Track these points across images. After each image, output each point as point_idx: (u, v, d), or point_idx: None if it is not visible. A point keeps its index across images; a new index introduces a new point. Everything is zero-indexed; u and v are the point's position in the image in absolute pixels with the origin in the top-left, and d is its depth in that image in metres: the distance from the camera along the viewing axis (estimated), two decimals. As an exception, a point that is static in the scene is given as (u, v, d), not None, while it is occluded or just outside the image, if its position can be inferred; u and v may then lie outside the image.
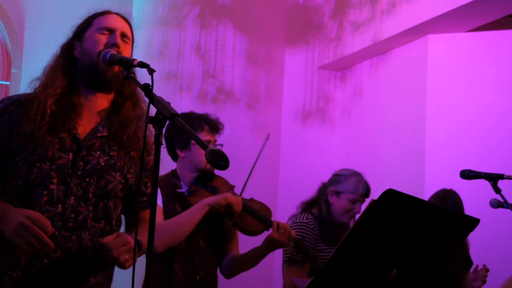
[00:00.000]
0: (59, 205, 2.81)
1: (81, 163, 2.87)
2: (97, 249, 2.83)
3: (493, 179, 4.34)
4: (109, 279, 3.01)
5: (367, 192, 4.81)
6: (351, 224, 4.69)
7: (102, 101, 2.99)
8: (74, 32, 3.04)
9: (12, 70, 7.56)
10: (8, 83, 7.58)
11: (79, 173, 2.85)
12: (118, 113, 3.00)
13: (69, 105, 2.89)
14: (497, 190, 4.32)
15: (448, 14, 6.85)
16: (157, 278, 3.94)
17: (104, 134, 2.94)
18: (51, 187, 2.81)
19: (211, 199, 4.02)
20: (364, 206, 4.72)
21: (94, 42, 2.92)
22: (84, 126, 2.93)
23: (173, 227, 3.92)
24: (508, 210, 4.23)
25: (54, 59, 3.02)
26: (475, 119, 7.18)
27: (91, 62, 2.90)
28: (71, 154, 2.86)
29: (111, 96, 3.00)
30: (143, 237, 2.78)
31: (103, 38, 2.92)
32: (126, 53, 2.95)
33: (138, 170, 2.99)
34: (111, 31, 2.95)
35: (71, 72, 2.97)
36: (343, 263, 3.11)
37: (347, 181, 4.82)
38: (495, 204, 4.30)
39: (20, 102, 2.91)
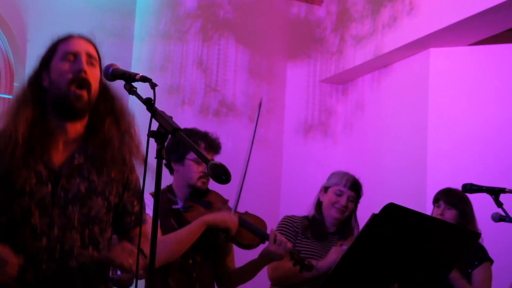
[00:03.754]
0: (44, 238, 2.80)
1: (62, 193, 2.85)
2: (86, 273, 2.85)
3: (495, 193, 4.34)
4: None
5: (352, 185, 4.80)
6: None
7: (76, 127, 2.94)
8: (41, 62, 2.99)
9: (14, 84, 7.60)
10: (10, 96, 7.57)
11: (61, 203, 2.84)
12: (96, 134, 2.96)
13: (42, 133, 2.88)
14: (499, 204, 4.32)
15: (449, 27, 6.87)
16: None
17: (80, 161, 2.92)
18: (33, 222, 2.80)
19: (209, 218, 4.03)
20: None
21: (61, 72, 2.88)
22: (60, 155, 2.91)
23: (172, 243, 3.93)
24: (510, 224, 4.23)
25: (22, 91, 2.99)
26: (476, 132, 7.19)
27: (60, 93, 2.87)
28: (49, 185, 2.84)
29: (84, 121, 2.97)
30: (145, 248, 2.77)
31: (67, 66, 2.88)
32: (94, 76, 2.91)
33: (121, 190, 2.99)
34: (75, 55, 2.91)
35: (41, 102, 2.93)
36: (345, 277, 3.12)
37: (334, 176, 4.86)
38: (497, 218, 4.30)
39: None
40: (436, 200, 5.48)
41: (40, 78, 2.94)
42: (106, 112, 2.96)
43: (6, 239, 2.75)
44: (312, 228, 4.78)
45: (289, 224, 4.80)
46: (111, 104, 2.99)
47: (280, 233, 4.64)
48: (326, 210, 4.80)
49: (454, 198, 5.40)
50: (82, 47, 2.94)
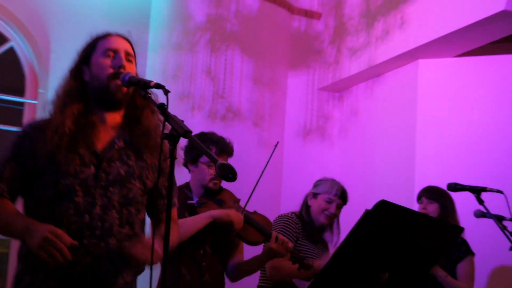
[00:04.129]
0: (86, 215, 2.82)
1: (103, 175, 2.87)
2: (124, 252, 2.84)
3: (477, 191, 4.36)
4: (135, 279, 3.03)
5: (341, 194, 4.84)
6: (328, 223, 4.78)
7: (115, 117, 2.99)
8: (81, 56, 3.03)
9: (39, 90, 7.62)
10: (36, 102, 7.64)
11: (102, 183, 2.86)
12: (137, 123, 3.01)
13: (86, 124, 2.90)
14: (480, 202, 4.34)
15: (437, 40, 6.87)
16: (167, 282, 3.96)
17: (120, 145, 2.94)
18: (76, 199, 2.81)
19: (216, 212, 4.06)
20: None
21: (101, 67, 2.92)
22: (101, 141, 2.93)
23: (189, 223, 3.97)
24: (491, 220, 4.24)
25: (66, 83, 3.01)
26: (461, 137, 7.19)
27: (102, 86, 2.90)
28: (92, 167, 2.86)
29: (122, 112, 3.01)
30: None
31: (108, 61, 2.93)
32: (132, 71, 2.96)
33: (156, 175, 3.01)
34: (115, 52, 2.95)
35: (84, 95, 2.96)
36: (340, 267, 3.13)
37: (323, 184, 4.87)
38: (479, 214, 4.31)
39: (39, 127, 2.91)
40: (419, 197, 5.55)
41: (81, 72, 2.97)
42: (144, 104, 2.98)
43: (49, 215, 2.78)
44: (305, 232, 4.80)
45: (290, 225, 4.78)
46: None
47: (283, 232, 4.69)
48: (315, 214, 4.84)
49: (434, 194, 5.46)
50: (121, 45, 2.98)
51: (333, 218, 4.85)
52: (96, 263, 2.81)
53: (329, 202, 4.80)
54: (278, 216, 4.96)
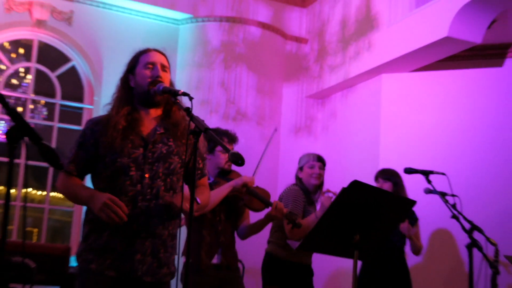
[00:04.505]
0: (139, 185, 2.87)
1: (150, 154, 2.91)
2: (168, 209, 2.92)
3: (426, 173, 4.37)
4: (177, 232, 3.04)
5: (318, 158, 4.83)
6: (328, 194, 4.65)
7: (156, 111, 3.02)
8: (127, 68, 3.06)
9: (94, 98, 7.62)
10: (92, 107, 7.65)
11: (150, 161, 2.91)
12: (169, 117, 3.03)
13: (133, 119, 2.94)
14: (429, 181, 4.33)
15: (396, 59, 6.88)
16: (192, 241, 4.02)
17: (161, 131, 2.98)
18: (131, 173, 2.87)
19: (232, 182, 4.06)
20: (333, 187, 4.78)
21: (143, 77, 2.95)
22: (146, 129, 2.97)
23: (215, 193, 3.96)
24: (437, 195, 4.29)
25: (118, 89, 3.06)
26: (414, 133, 7.17)
27: (144, 91, 2.94)
28: (141, 149, 2.91)
29: (161, 108, 3.04)
30: (200, 195, 2.98)
31: (148, 72, 2.95)
32: (166, 79, 2.99)
33: (190, 152, 3.00)
34: (153, 64, 2.98)
35: (131, 98, 3.00)
36: (323, 231, 3.17)
37: (303, 158, 4.87)
38: (427, 191, 4.29)
39: (98, 122, 2.97)
40: (376, 178, 5.53)
41: (128, 80, 3.02)
42: (173, 103, 2.98)
43: (111, 186, 2.85)
44: (308, 199, 4.78)
45: (297, 196, 4.74)
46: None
47: (293, 203, 4.71)
48: (307, 181, 4.79)
49: (388, 174, 5.45)
50: (158, 59, 3.02)
51: (321, 177, 4.80)
52: (148, 220, 2.86)
53: (312, 167, 4.77)
54: (287, 188, 4.90)
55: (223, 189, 4.05)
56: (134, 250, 2.82)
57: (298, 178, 4.88)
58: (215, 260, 4.15)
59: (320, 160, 4.85)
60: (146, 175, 2.90)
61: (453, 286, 6.64)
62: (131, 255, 2.82)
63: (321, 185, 4.86)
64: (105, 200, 2.70)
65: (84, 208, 3.03)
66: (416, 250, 5.45)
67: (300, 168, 4.89)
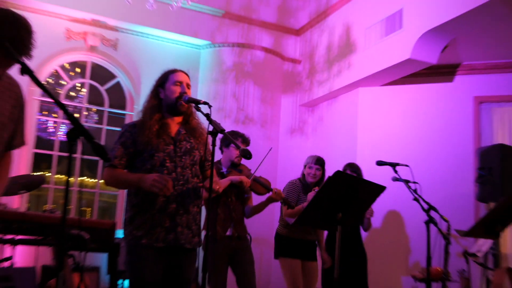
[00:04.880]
0: (174, 173, 2.89)
1: (178, 149, 2.94)
2: (196, 191, 2.95)
3: (393, 165, 4.37)
4: (200, 210, 3.06)
5: (316, 161, 4.81)
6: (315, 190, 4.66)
7: (179, 118, 3.02)
8: (158, 83, 3.03)
9: (134, 106, 7.61)
10: (132, 113, 7.65)
11: (179, 154, 2.92)
12: (188, 123, 3.04)
13: (164, 124, 2.94)
14: (395, 172, 4.36)
15: (369, 76, 6.90)
16: (210, 218, 4.02)
17: (184, 132, 3.00)
18: (167, 164, 2.88)
19: (232, 178, 4.08)
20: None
21: (172, 92, 2.95)
22: (173, 131, 2.97)
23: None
24: (402, 182, 4.29)
25: (149, 99, 3.03)
26: (384, 133, 7.19)
27: (172, 102, 2.94)
28: (172, 146, 2.93)
29: (182, 116, 3.03)
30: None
31: (177, 89, 2.95)
32: (189, 93, 3.01)
33: (203, 150, 3.06)
34: (181, 83, 2.97)
35: (160, 107, 2.99)
36: (313, 210, 3.18)
37: (307, 159, 4.86)
38: (394, 179, 4.33)
39: (135, 125, 2.97)
40: (344, 170, 5.48)
41: (158, 93, 3.00)
42: (191, 113, 3.02)
43: None
44: (304, 189, 4.77)
45: (293, 187, 4.76)
46: (192, 110, 3.04)
47: (289, 192, 4.74)
48: (307, 178, 4.81)
49: (353, 167, 5.38)
50: (184, 79, 3.02)
51: (316, 177, 4.79)
52: (183, 200, 2.88)
53: (310, 168, 4.79)
54: (288, 182, 4.92)
55: (225, 181, 4.05)
56: (175, 224, 2.84)
57: (302, 174, 4.89)
58: (228, 232, 4.16)
59: (318, 163, 4.83)
60: (179, 165, 2.90)
61: (415, 254, 6.65)
62: (174, 228, 2.83)
63: (319, 181, 4.84)
64: (155, 177, 2.70)
65: (125, 194, 3.02)
66: (368, 228, 5.44)
67: (304, 167, 4.88)
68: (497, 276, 4.83)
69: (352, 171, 5.33)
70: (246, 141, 4.33)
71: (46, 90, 2.01)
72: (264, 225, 7.06)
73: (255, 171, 4.34)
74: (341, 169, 5.15)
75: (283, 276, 4.62)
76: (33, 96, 7.08)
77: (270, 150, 4.73)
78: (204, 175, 3.13)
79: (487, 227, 3.86)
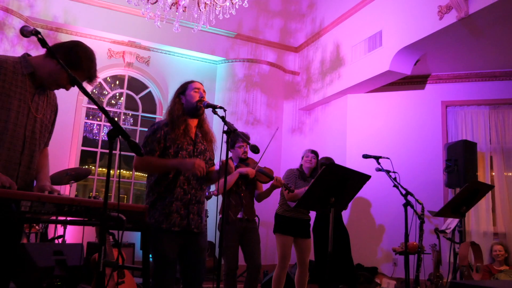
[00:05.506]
0: None
1: (195, 149, 2.87)
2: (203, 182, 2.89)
3: (377, 158, 4.32)
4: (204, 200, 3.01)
5: (312, 150, 4.73)
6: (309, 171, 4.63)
7: (195, 121, 2.95)
8: (179, 91, 2.95)
9: (163, 111, 7.57)
10: (161, 117, 7.54)
11: (196, 154, 2.87)
12: (202, 126, 2.97)
13: (187, 125, 2.87)
14: (378, 163, 4.34)
15: (356, 85, 6.87)
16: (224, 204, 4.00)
17: (200, 136, 2.93)
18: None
19: (240, 170, 4.03)
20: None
21: (192, 97, 2.87)
22: (192, 133, 2.90)
23: (228, 179, 3.88)
24: (384, 172, 4.26)
25: (173, 104, 2.93)
26: (369, 132, 7.18)
27: (192, 106, 2.87)
28: (191, 146, 2.86)
29: (197, 119, 2.95)
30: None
31: (196, 95, 2.88)
32: (206, 99, 2.94)
33: (212, 153, 3.01)
34: (198, 89, 2.91)
35: (183, 110, 2.90)
36: (311, 194, 3.15)
37: (305, 151, 4.76)
38: (378, 169, 4.29)
39: (166, 124, 2.88)
40: (322, 165, 5.42)
41: (180, 99, 2.92)
42: (204, 118, 2.96)
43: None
44: (300, 176, 4.70)
45: (291, 174, 4.68)
46: (204, 115, 2.98)
47: (287, 177, 4.65)
48: (304, 166, 4.72)
49: (328, 159, 5.32)
50: (201, 86, 2.95)
51: (312, 162, 4.69)
52: (196, 192, 2.83)
53: (307, 156, 4.70)
54: (287, 170, 4.81)
55: (235, 174, 4.01)
56: (188, 212, 2.79)
57: (300, 164, 4.80)
58: (239, 215, 4.12)
59: (313, 152, 4.76)
60: None
61: (395, 233, 6.61)
62: (187, 215, 2.78)
63: (316, 168, 4.74)
64: (195, 160, 2.68)
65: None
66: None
67: (302, 158, 4.79)
68: (462, 249, 4.79)
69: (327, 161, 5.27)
70: (246, 137, 4.28)
71: (92, 98, 2.00)
72: (270, 209, 7.04)
73: (261, 158, 4.27)
74: (335, 160, 5.10)
75: (276, 248, 4.56)
76: (81, 104, 7.09)
77: (277, 129, 4.72)
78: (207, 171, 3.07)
79: (454, 208, 3.83)
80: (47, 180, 2.26)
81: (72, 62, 2.14)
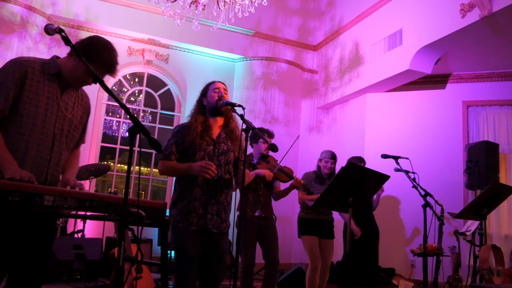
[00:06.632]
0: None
1: (216, 150, 2.86)
2: (226, 185, 2.88)
3: (395, 158, 4.31)
4: (230, 200, 3.00)
5: (331, 156, 4.66)
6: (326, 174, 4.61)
7: (220, 121, 2.95)
8: (201, 93, 2.97)
9: (181, 108, 7.64)
10: (179, 114, 7.65)
11: (216, 154, 2.85)
12: (228, 125, 2.96)
13: (207, 126, 2.88)
14: (397, 163, 4.31)
15: (375, 84, 6.82)
16: (242, 202, 4.02)
17: (223, 136, 2.92)
18: None
19: (257, 172, 4.02)
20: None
21: (212, 97, 2.88)
22: (215, 134, 2.90)
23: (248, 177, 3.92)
24: (403, 173, 4.23)
25: (195, 107, 2.97)
26: (388, 130, 7.12)
27: (213, 105, 2.87)
28: (211, 146, 2.85)
29: (223, 118, 2.95)
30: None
31: (216, 94, 2.88)
32: (227, 98, 2.93)
33: (238, 152, 2.97)
34: (219, 89, 2.91)
35: (204, 112, 2.92)
36: (329, 194, 3.15)
37: (324, 154, 4.70)
38: (396, 170, 4.28)
39: (185, 126, 2.90)
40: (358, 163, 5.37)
41: (202, 101, 2.94)
42: (230, 116, 2.95)
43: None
44: (317, 179, 4.70)
45: (308, 177, 4.66)
46: (231, 114, 2.97)
47: (303, 179, 4.63)
48: (323, 169, 4.67)
49: (359, 159, 5.30)
50: (221, 86, 2.94)
51: (331, 170, 4.67)
52: (215, 192, 2.82)
53: (326, 162, 4.66)
54: (304, 173, 4.79)
55: (252, 175, 4.01)
56: (206, 212, 2.79)
57: (318, 166, 4.76)
58: (257, 213, 4.13)
59: (333, 157, 4.70)
60: (215, 163, 2.84)
61: (414, 233, 6.56)
62: (205, 215, 2.78)
63: (332, 172, 4.72)
64: (201, 163, 2.67)
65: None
66: (374, 208, 5.35)
67: (320, 160, 4.74)
68: (483, 252, 4.72)
69: (358, 162, 5.24)
70: (271, 135, 4.26)
71: (113, 95, 2.02)
72: (287, 208, 7.04)
73: (281, 160, 4.29)
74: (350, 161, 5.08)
75: (305, 251, 4.56)
76: (101, 101, 7.19)
77: (298, 138, 4.69)
78: (237, 170, 3.08)
79: (475, 210, 3.78)
80: (72, 176, 2.29)
81: (91, 54, 2.16)
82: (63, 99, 2.29)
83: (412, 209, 6.35)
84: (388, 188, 5.63)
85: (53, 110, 2.23)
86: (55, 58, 2.32)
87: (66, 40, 2.03)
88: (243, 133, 2.72)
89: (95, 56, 2.17)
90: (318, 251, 4.51)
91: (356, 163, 3.11)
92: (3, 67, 2.19)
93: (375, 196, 5.30)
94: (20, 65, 2.18)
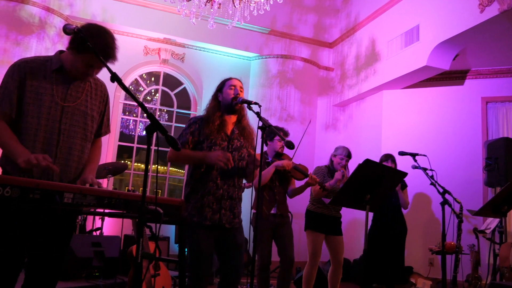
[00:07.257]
0: None
1: (230, 146, 2.87)
2: (239, 181, 2.89)
3: (413, 155, 4.26)
4: (241, 196, 3.00)
5: (347, 154, 4.60)
6: (341, 171, 4.49)
7: (234, 118, 2.94)
8: (217, 89, 2.96)
9: (197, 107, 7.68)
10: (196, 113, 7.67)
11: (230, 150, 2.86)
12: (240, 123, 2.96)
13: (222, 121, 2.88)
14: (415, 160, 4.25)
15: (392, 81, 6.78)
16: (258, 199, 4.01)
17: (236, 132, 2.92)
18: None
19: (275, 163, 4.00)
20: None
21: (228, 94, 2.87)
22: (229, 130, 2.90)
23: (265, 173, 3.96)
24: (420, 170, 4.19)
25: (211, 102, 2.96)
26: (406, 128, 7.07)
27: (228, 103, 2.87)
28: (226, 142, 2.86)
29: (236, 115, 2.94)
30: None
31: (231, 92, 2.88)
32: (243, 95, 2.93)
33: (250, 147, 2.98)
34: (234, 86, 2.91)
35: (219, 107, 2.91)
36: (346, 191, 3.14)
37: (339, 150, 4.63)
38: (414, 167, 4.24)
39: (201, 118, 2.90)
40: (385, 160, 5.37)
41: (217, 96, 2.93)
42: (244, 114, 2.96)
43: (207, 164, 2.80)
44: (329, 173, 4.64)
45: (319, 171, 4.62)
46: (244, 111, 2.97)
47: (316, 174, 4.58)
48: (336, 165, 4.61)
49: (390, 157, 5.29)
50: (237, 83, 2.94)
51: (344, 166, 4.63)
52: (227, 188, 2.82)
53: (342, 159, 4.58)
54: (315, 167, 4.75)
55: (271, 168, 4.00)
56: (220, 207, 2.80)
57: (331, 160, 4.71)
58: (273, 211, 4.13)
59: (349, 156, 4.64)
60: None
61: (432, 231, 6.50)
62: (219, 210, 2.79)
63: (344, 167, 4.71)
64: (219, 153, 2.68)
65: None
66: (405, 205, 5.29)
67: (335, 155, 4.68)
68: (503, 250, 4.64)
69: (391, 162, 5.17)
70: (286, 134, 4.26)
71: (130, 93, 2.03)
72: (303, 205, 7.02)
73: (295, 151, 4.24)
74: (369, 157, 5.03)
75: (307, 246, 4.52)
76: (119, 100, 7.26)
77: (310, 122, 4.67)
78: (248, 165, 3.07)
79: (494, 208, 3.72)
80: (91, 174, 2.31)
81: (84, 44, 2.11)
82: (70, 93, 2.29)
83: (431, 206, 6.29)
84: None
85: (57, 107, 2.24)
86: (59, 53, 2.32)
87: (84, 40, 2.06)
88: (259, 130, 2.71)
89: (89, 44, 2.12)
90: (320, 249, 4.46)
91: (372, 160, 3.08)
92: (6, 72, 2.23)
93: (400, 194, 5.24)
94: (18, 68, 2.20)
